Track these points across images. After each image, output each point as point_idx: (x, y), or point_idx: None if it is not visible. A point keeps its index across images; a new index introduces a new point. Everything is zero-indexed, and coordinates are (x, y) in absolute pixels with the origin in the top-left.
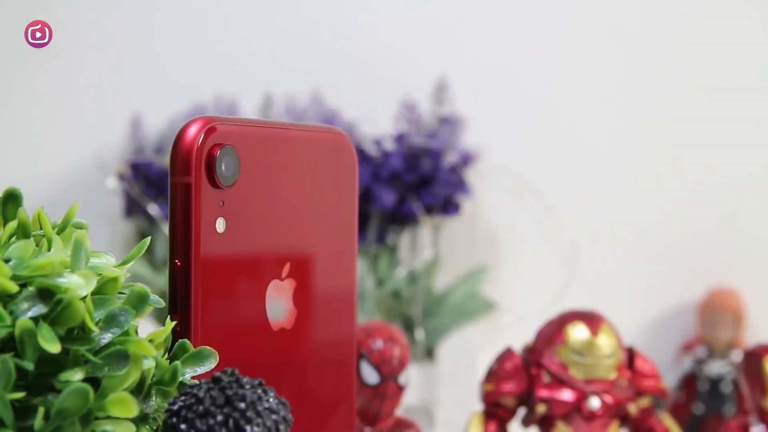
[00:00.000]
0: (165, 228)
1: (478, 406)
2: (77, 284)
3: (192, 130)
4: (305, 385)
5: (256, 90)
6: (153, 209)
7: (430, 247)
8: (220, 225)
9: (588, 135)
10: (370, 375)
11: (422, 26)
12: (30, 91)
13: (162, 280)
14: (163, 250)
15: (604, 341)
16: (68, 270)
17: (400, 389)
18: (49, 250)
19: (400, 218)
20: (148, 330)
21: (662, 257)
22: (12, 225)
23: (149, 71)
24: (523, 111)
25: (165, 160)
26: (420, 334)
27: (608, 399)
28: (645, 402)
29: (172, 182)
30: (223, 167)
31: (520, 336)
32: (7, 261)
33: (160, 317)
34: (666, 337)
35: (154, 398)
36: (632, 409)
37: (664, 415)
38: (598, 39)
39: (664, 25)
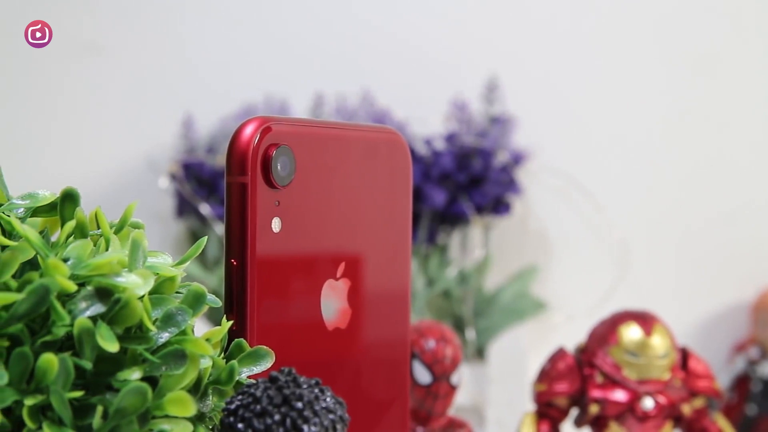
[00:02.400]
0: (216, 228)
1: (529, 406)
2: (135, 284)
3: (248, 130)
4: (359, 384)
5: (307, 90)
6: (204, 209)
7: (480, 247)
8: (276, 225)
9: (638, 134)
10: (422, 375)
11: (473, 25)
12: (83, 92)
13: (213, 279)
14: (214, 249)
15: (658, 341)
16: (126, 269)
17: (453, 389)
18: (106, 249)
19: (451, 218)
20: (200, 329)
21: (714, 257)
22: (70, 225)
23: (200, 72)
24: (574, 110)
25: (216, 160)
26: (470, 333)
27: (662, 400)
28: (699, 403)
29: (228, 182)
30: (278, 167)
31: (570, 336)
32: (65, 260)
33: (211, 316)
34: (718, 337)
35: (210, 397)
36: (686, 409)
37: (717, 416)
38: (648, 38)
39: (714, 25)
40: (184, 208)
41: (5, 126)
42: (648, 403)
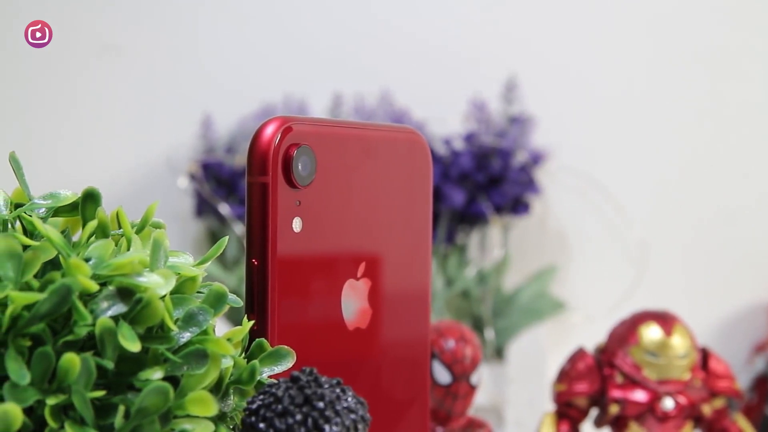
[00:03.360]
0: (236, 227)
1: (548, 406)
2: (157, 283)
3: (269, 130)
4: (379, 384)
5: (325, 90)
6: (224, 209)
7: (499, 247)
8: (297, 224)
9: (657, 134)
10: (441, 375)
11: (492, 25)
12: (103, 93)
13: (232, 279)
14: (233, 249)
15: (678, 342)
16: (147, 269)
17: (472, 389)
18: (128, 249)
19: (470, 218)
20: (219, 329)
21: (733, 256)
22: (92, 225)
23: (219, 72)
24: (593, 110)
25: (235, 160)
26: (489, 333)
27: (682, 400)
28: (719, 403)
29: (249, 182)
30: (299, 167)
31: (589, 335)
32: (87, 260)
33: (231, 316)
34: (737, 337)
35: (231, 397)
36: (706, 410)
37: (737, 417)
38: (667, 38)
39: (733, 24)
40: (203, 208)
41: (26, 126)
42: (668, 404)
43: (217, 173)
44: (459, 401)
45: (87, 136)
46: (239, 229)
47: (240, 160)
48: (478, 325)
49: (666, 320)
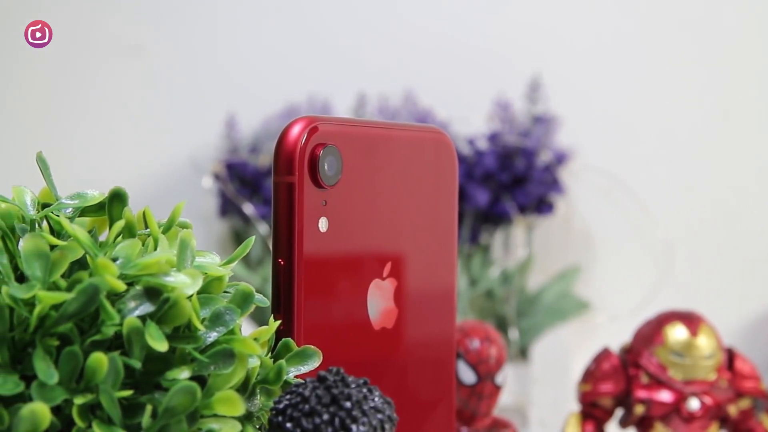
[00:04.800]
0: (260, 227)
1: (572, 406)
2: (184, 283)
3: (295, 130)
4: (405, 384)
5: (349, 90)
6: (248, 209)
7: (523, 247)
8: (323, 224)
9: (682, 134)
10: (466, 374)
11: (515, 25)
12: (128, 93)
13: (257, 279)
14: (257, 249)
15: (704, 342)
16: (174, 269)
17: (497, 389)
18: (155, 249)
19: (494, 217)
20: (243, 329)
21: (758, 256)
22: (119, 224)
23: (243, 72)
24: (617, 109)
25: (259, 160)
26: (513, 333)
27: (708, 400)
28: (745, 404)
29: (275, 182)
30: (326, 167)
31: (613, 336)
32: (114, 260)
33: (255, 316)
34: (763, 337)
35: (258, 397)
36: (732, 410)
37: (764, 417)
38: (691, 38)
39: (761, 24)
40: (228, 207)
41: (52, 127)
42: (694, 404)
43: (241, 173)
44: (484, 401)
45: (112, 136)
46: (263, 228)
47: (264, 159)
48: (501, 325)
49: (692, 320)
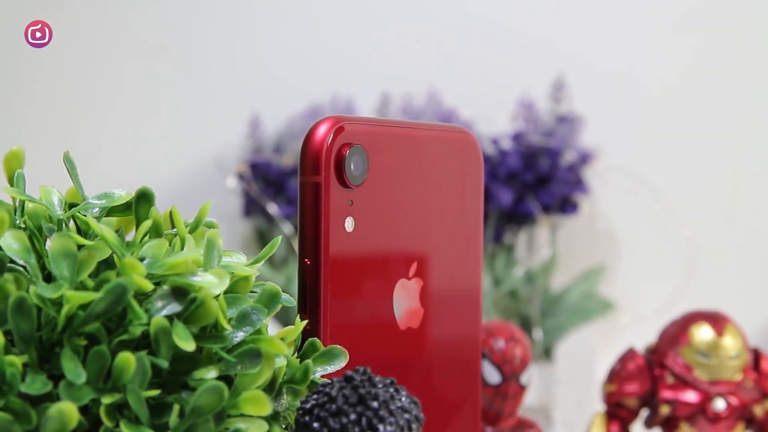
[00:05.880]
0: (284, 227)
1: (596, 407)
2: (211, 283)
3: (321, 130)
4: (431, 384)
5: (373, 89)
6: (272, 208)
7: (547, 247)
8: (349, 224)
9: (706, 132)
10: (491, 374)
11: (539, 24)
12: (151, 93)
13: (280, 278)
14: (281, 249)
15: (730, 342)
16: (201, 269)
17: (522, 389)
18: (182, 249)
19: (518, 217)
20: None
21: None
22: (146, 224)
23: (267, 72)
24: (641, 109)
25: (283, 160)
26: (537, 333)
27: (733, 401)
28: None
29: (301, 182)
30: (352, 166)
31: (638, 336)
32: (141, 260)
33: (279, 316)
34: None
35: (285, 396)
36: (758, 411)
37: None
38: (717, 37)
39: None
40: (251, 207)
41: (79, 127)
42: (719, 405)
43: (265, 173)
44: (509, 401)
45: (136, 137)
46: (287, 228)
47: (288, 159)
48: (526, 325)
49: (717, 320)
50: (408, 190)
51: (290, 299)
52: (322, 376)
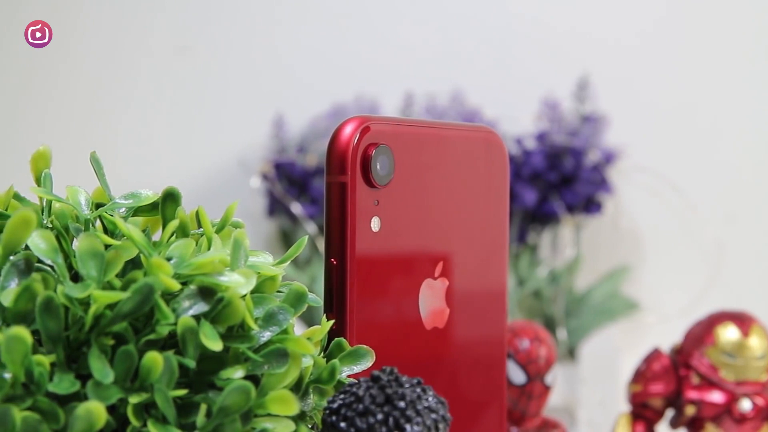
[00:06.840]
0: (308, 227)
1: (621, 407)
2: (238, 283)
3: (347, 130)
4: (457, 384)
5: (397, 89)
6: (296, 208)
7: (571, 247)
8: (375, 224)
9: (731, 132)
10: (516, 375)
11: (564, 24)
12: (176, 93)
13: (304, 278)
14: (305, 249)
15: (756, 342)
16: (228, 269)
17: (547, 389)
18: (208, 249)
19: (541, 217)
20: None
21: None
22: (173, 224)
23: (291, 72)
24: (666, 108)
25: (307, 160)
26: (562, 334)
27: (759, 401)
28: None
29: (327, 181)
30: (378, 166)
31: (663, 336)
32: (168, 259)
33: (304, 315)
34: None
35: (311, 396)
36: None
37: None
38: (739, 37)
39: None
40: (275, 207)
41: (105, 127)
42: (745, 405)
43: (289, 173)
44: (534, 401)
45: (160, 136)
46: (311, 228)
47: (312, 159)
48: (549, 325)
49: (743, 321)
50: (434, 190)
51: (317, 299)
52: (349, 376)
